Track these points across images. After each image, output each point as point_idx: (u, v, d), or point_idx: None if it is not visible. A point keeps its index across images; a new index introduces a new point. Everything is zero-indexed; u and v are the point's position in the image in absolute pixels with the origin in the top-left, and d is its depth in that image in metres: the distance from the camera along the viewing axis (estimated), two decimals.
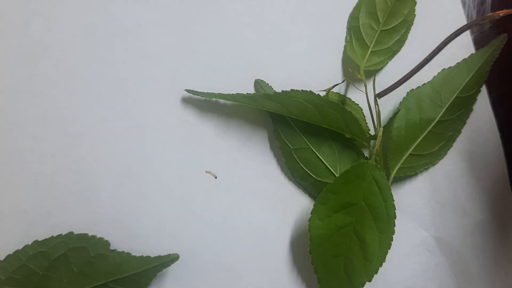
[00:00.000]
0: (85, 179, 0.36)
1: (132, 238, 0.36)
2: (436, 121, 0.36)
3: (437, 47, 0.32)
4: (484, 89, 0.38)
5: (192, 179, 0.37)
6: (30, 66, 0.36)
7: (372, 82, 0.37)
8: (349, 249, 0.34)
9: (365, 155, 0.37)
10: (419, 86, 0.37)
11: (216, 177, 0.37)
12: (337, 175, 0.35)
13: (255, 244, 0.37)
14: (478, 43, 0.38)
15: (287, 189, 0.37)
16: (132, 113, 0.37)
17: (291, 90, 0.34)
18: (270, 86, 0.37)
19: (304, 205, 0.37)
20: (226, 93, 0.36)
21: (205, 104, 0.37)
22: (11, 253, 0.33)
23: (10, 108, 0.36)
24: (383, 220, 0.33)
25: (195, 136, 0.37)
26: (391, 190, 0.33)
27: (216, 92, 0.36)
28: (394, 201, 0.33)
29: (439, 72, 0.37)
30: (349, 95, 0.38)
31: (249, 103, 0.35)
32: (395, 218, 0.33)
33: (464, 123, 0.37)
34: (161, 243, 0.36)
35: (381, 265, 0.33)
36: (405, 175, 0.37)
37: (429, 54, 0.32)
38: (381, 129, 0.35)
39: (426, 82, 0.37)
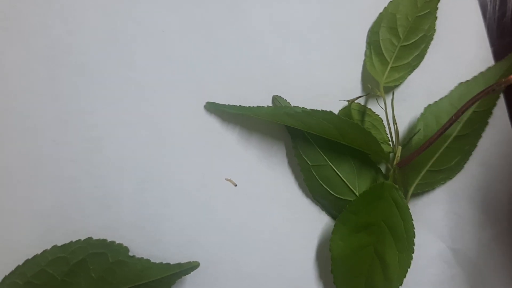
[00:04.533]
0: (106, 184, 0.36)
1: (152, 244, 0.36)
2: (453, 136, 0.36)
3: (460, 110, 0.32)
4: (502, 102, 0.38)
5: (213, 187, 0.37)
6: (50, 69, 0.36)
7: (390, 96, 0.38)
8: (370, 269, 0.34)
9: (383, 171, 0.37)
10: (436, 101, 0.37)
11: (236, 185, 0.37)
12: (356, 193, 0.36)
13: (274, 253, 0.37)
14: (498, 55, 0.39)
15: (306, 200, 0.37)
16: (153, 118, 0.37)
17: (310, 109, 0.34)
18: (288, 102, 0.37)
19: (323, 215, 0.38)
20: (248, 100, 0.36)
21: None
22: (30, 257, 0.33)
23: (30, 112, 0.36)
24: (403, 240, 0.33)
25: (217, 143, 0.37)
26: (409, 210, 0.33)
27: (238, 100, 0.37)
28: (413, 220, 0.33)
29: (456, 86, 0.37)
30: (369, 105, 0.38)
31: (270, 118, 0.35)
32: (414, 237, 0.33)
33: (480, 136, 0.37)
34: (181, 250, 0.36)
35: (401, 284, 0.33)
36: (422, 191, 0.37)
37: (451, 119, 0.32)
38: (400, 147, 0.35)
39: (443, 96, 0.37)
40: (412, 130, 0.37)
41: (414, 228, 0.33)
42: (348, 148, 0.36)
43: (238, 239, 0.37)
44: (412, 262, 0.34)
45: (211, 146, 0.37)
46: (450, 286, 0.37)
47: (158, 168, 0.36)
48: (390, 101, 0.37)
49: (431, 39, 0.38)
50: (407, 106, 0.38)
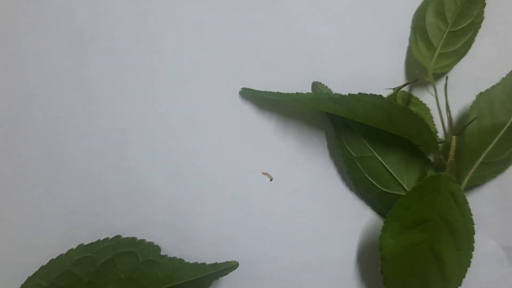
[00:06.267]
0: (135, 179, 0.35)
1: (184, 243, 0.35)
2: (507, 126, 0.35)
3: None
4: None
5: (249, 181, 0.35)
6: (76, 56, 0.35)
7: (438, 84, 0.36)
8: (425, 268, 0.32)
9: (432, 162, 0.35)
10: (488, 89, 0.35)
11: (272, 179, 0.35)
12: (405, 186, 0.34)
13: (316, 253, 0.35)
14: None
15: (350, 194, 0.36)
16: (185, 108, 0.36)
17: (358, 93, 0.33)
18: (329, 89, 0.36)
19: (368, 211, 0.36)
20: (286, 87, 0.35)
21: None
22: (54, 257, 0.31)
23: (55, 101, 0.35)
24: (462, 236, 0.32)
25: (253, 134, 0.36)
26: (468, 203, 0.32)
27: (275, 87, 0.35)
28: (472, 215, 0.32)
29: (507, 74, 0.36)
30: (413, 93, 0.37)
31: (312, 105, 0.34)
32: (474, 234, 0.32)
33: None
34: (215, 248, 0.35)
35: (460, 284, 0.32)
36: (473, 185, 0.35)
37: None
38: (454, 137, 0.33)
39: (495, 84, 0.35)
40: (463, 119, 0.36)
41: (473, 224, 0.31)
42: (395, 137, 0.34)
43: (276, 237, 0.35)
44: None
45: (246, 137, 0.36)
46: (502, 285, 0.36)
47: (190, 161, 0.35)
48: (439, 88, 0.36)
49: (479, 26, 0.36)
50: (456, 94, 0.36)
